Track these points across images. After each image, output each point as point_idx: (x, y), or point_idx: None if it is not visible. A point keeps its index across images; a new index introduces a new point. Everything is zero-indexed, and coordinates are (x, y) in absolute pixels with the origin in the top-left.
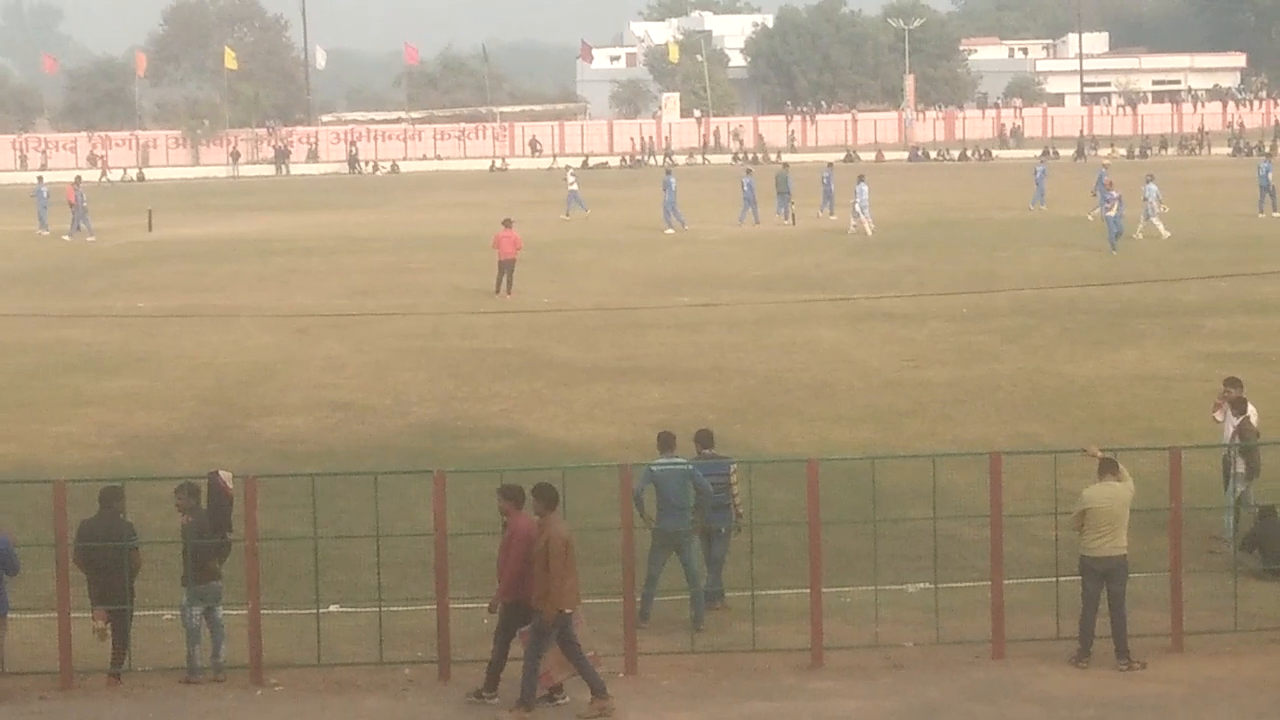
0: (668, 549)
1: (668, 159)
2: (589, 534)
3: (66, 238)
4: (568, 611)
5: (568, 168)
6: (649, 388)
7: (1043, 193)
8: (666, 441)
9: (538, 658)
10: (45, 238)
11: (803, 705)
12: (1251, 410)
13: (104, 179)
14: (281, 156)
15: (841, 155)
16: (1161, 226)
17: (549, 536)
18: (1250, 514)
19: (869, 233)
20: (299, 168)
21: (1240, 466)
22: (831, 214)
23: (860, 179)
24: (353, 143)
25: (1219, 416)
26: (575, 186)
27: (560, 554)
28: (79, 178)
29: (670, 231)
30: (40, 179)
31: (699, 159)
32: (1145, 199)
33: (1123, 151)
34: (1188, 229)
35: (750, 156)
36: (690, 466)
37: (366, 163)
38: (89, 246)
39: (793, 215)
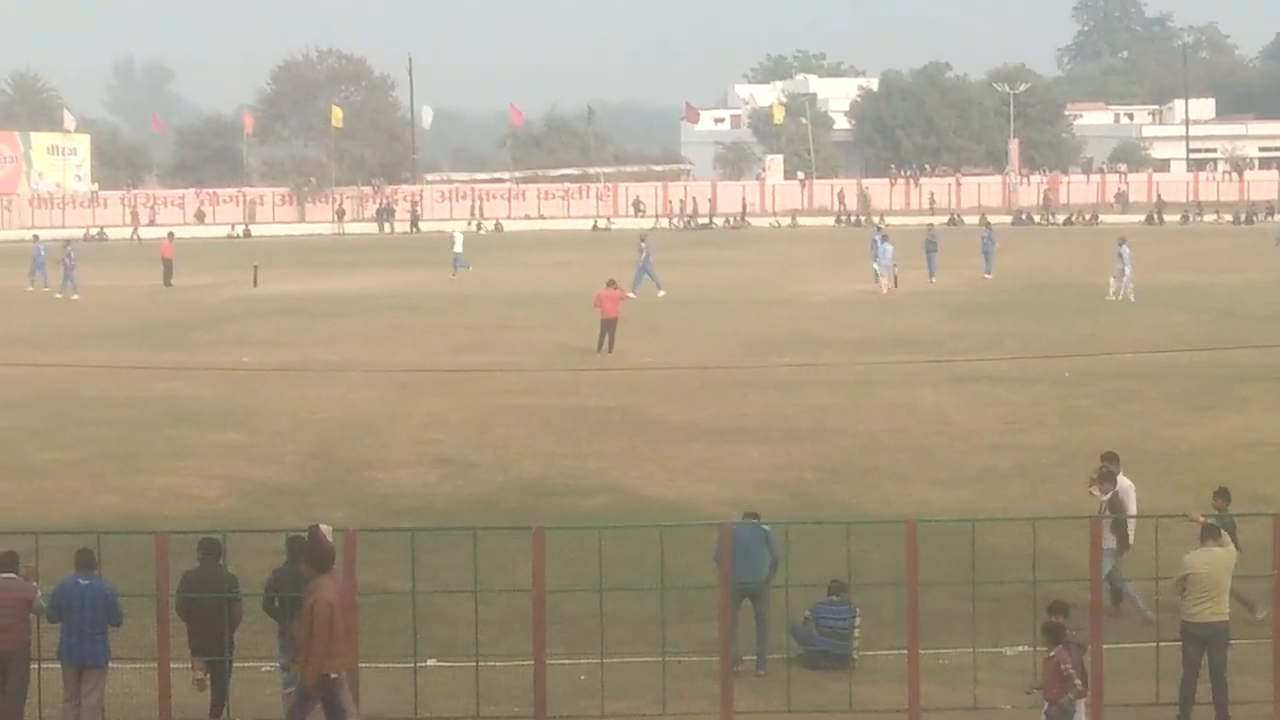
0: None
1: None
2: (687, 591)
3: (58, 295)
4: (332, 676)
5: (454, 231)
6: (748, 447)
7: (990, 260)
8: (749, 516)
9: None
10: (30, 293)
11: None
12: (1126, 484)
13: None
14: (385, 214)
15: (945, 218)
16: (1129, 290)
17: (315, 600)
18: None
19: (884, 292)
20: (403, 226)
21: (1111, 542)
22: (989, 274)
23: (884, 239)
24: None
25: (1095, 491)
26: (460, 248)
27: (324, 618)
28: (69, 240)
29: (632, 295)
30: (36, 237)
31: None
32: (1119, 261)
33: (1228, 217)
34: None
35: (854, 219)
36: (767, 528)
37: (468, 221)
38: (187, 300)
39: (895, 277)
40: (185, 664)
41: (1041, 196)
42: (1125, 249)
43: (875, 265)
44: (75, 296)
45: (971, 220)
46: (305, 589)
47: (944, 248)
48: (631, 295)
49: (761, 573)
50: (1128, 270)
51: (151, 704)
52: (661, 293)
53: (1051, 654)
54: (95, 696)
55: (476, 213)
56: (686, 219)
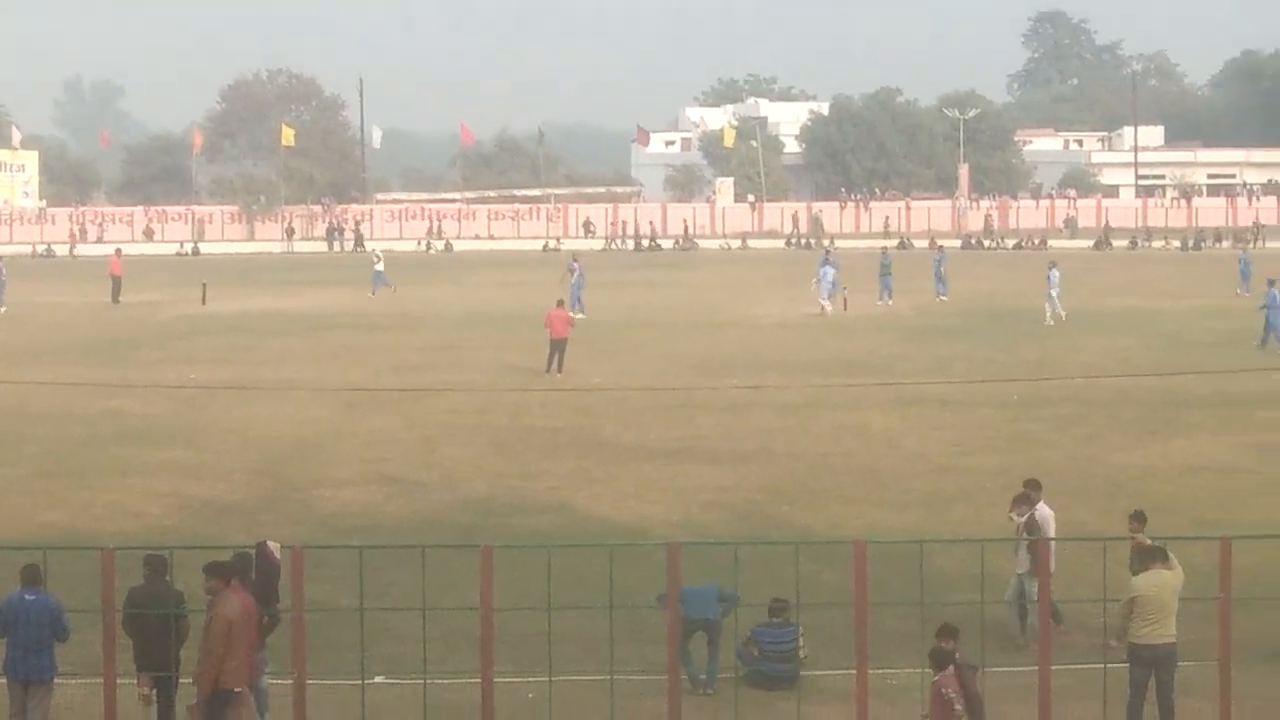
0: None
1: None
2: (635, 611)
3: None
4: (236, 690)
5: (374, 250)
6: (698, 468)
7: (943, 282)
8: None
9: None
10: None
11: None
12: (1046, 512)
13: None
14: (335, 233)
15: (895, 242)
16: (1059, 309)
17: (213, 614)
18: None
19: (826, 314)
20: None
21: (1025, 565)
22: (944, 296)
23: (825, 262)
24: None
25: (1013, 516)
26: (381, 267)
27: (221, 632)
28: None
29: (581, 315)
30: None
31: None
32: (1049, 284)
33: (1176, 244)
34: (1239, 321)
35: (804, 241)
36: (716, 587)
37: (420, 240)
38: (135, 317)
39: (844, 300)
40: (131, 679)
41: (984, 222)
42: (1055, 273)
43: (814, 287)
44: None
45: (921, 244)
46: (208, 602)
47: (896, 271)
48: (581, 315)
49: (715, 611)
50: (1053, 293)
51: (97, 718)
52: (580, 316)
53: (936, 679)
54: (41, 712)
55: (432, 231)
56: (633, 240)
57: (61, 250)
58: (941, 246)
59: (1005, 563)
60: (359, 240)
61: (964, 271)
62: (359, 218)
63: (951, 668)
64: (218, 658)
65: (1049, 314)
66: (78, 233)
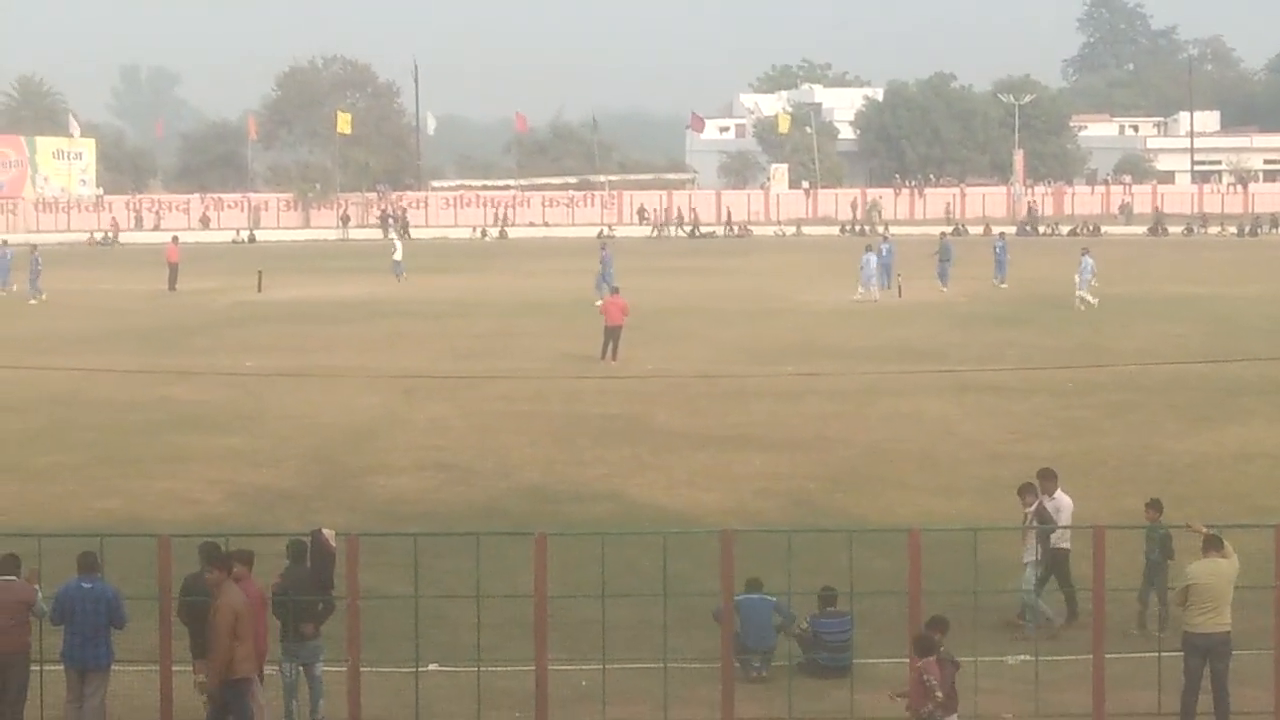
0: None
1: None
2: (689, 598)
3: (31, 301)
4: (248, 678)
5: (392, 239)
6: (751, 455)
7: (1002, 269)
8: (754, 588)
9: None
10: (2, 298)
11: None
12: (1065, 501)
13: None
14: (403, 226)
15: (951, 228)
16: (1090, 296)
17: (218, 605)
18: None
19: (874, 299)
20: (416, 231)
21: (1032, 554)
22: (1003, 283)
23: (868, 248)
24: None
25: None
26: (399, 256)
27: (227, 623)
28: (35, 245)
29: (599, 303)
30: (4, 242)
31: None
32: (1081, 272)
33: (1232, 229)
34: None
35: (859, 228)
36: (773, 599)
37: (475, 228)
38: (191, 305)
39: (899, 286)
40: (187, 667)
41: (1025, 209)
42: (1088, 259)
43: (863, 276)
44: (32, 301)
45: (975, 230)
46: (211, 593)
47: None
48: (598, 304)
49: (772, 640)
50: (1079, 279)
51: (153, 706)
52: (598, 303)
53: (919, 664)
54: (98, 698)
55: (497, 219)
56: (689, 226)
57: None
58: (1002, 233)
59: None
60: (405, 228)
61: (1019, 258)
62: (403, 206)
63: (934, 657)
64: (227, 649)
65: (1080, 301)
66: (118, 220)
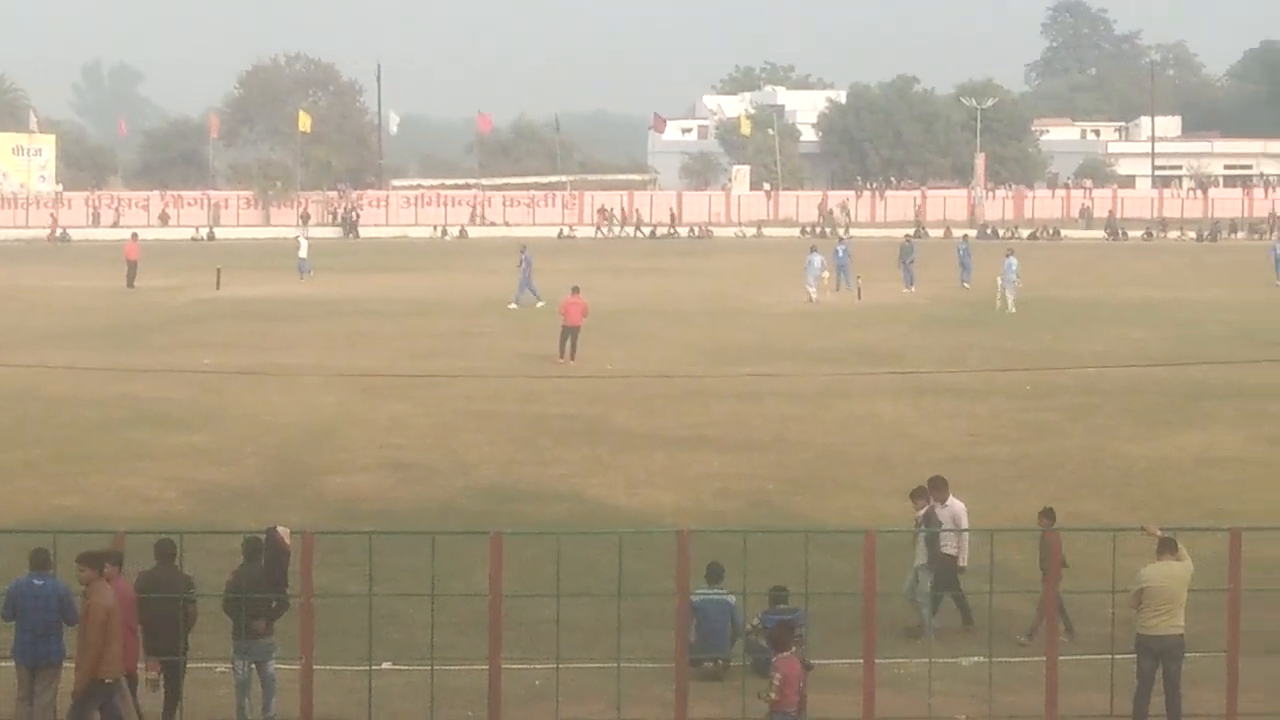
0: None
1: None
2: (643, 599)
3: None
4: (106, 681)
5: (298, 236)
6: (709, 456)
7: (967, 270)
8: (715, 574)
9: None
10: None
11: None
12: (959, 507)
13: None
14: (348, 225)
15: (911, 230)
16: (1011, 300)
17: (90, 603)
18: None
19: (814, 300)
20: (369, 231)
21: (923, 558)
22: (967, 284)
23: (813, 250)
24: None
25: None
26: (304, 254)
27: (99, 622)
28: None
29: (513, 306)
30: None
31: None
32: (1005, 272)
33: (1192, 234)
34: (1254, 313)
35: (819, 230)
36: (732, 600)
37: (435, 227)
38: (150, 302)
39: (859, 289)
40: (140, 664)
41: (982, 213)
42: (1013, 259)
43: (810, 276)
44: None
45: (936, 233)
46: (83, 592)
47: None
48: (513, 306)
49: (726, 649)
50: (1002, 280)
51: None
52: (540, 303)
53: (774, 659)
54: (49, 695)
55: (474, 218)
56: (648, 227)
57: (77, 235)
58: (965, 235)
59: (1014, 554)
60: (350, 227)
61: (980, 261)
62: (351, 206)
63: (790, 653)
64: (97, 649)
65: (1008, 302)
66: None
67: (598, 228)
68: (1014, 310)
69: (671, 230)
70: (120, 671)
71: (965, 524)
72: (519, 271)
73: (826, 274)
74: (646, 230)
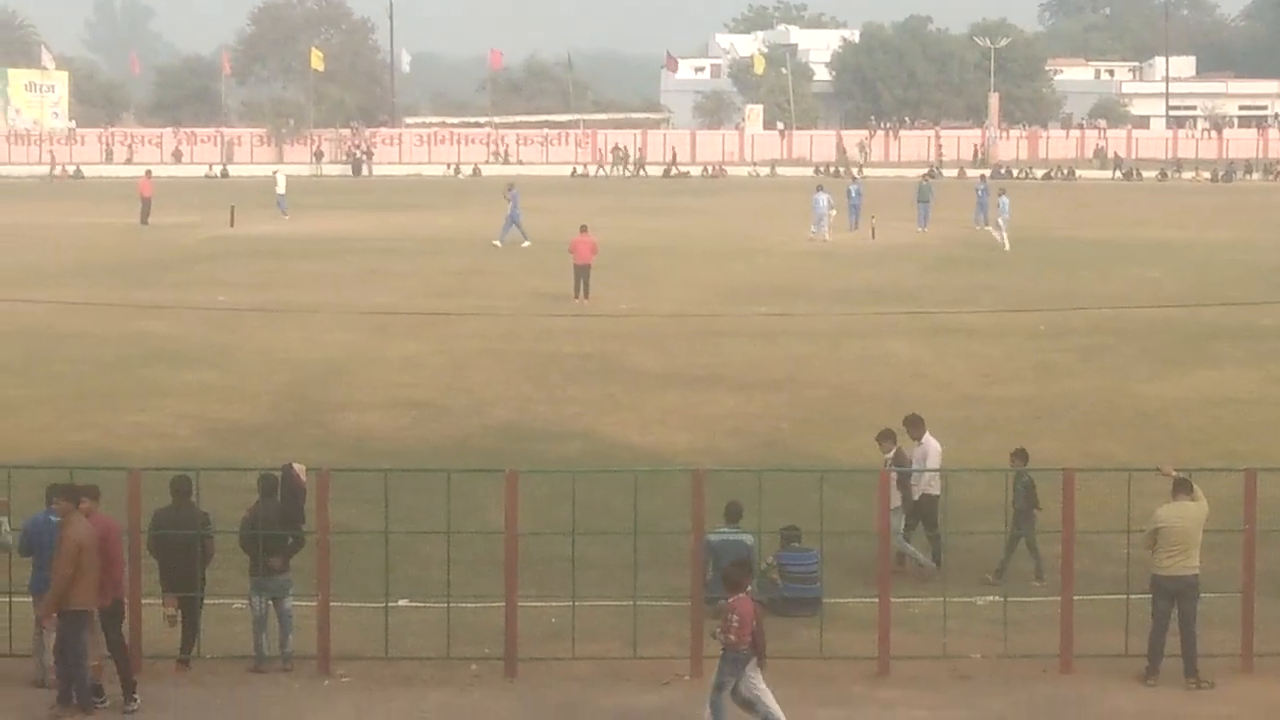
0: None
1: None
2: (659, 537)
3: None
4: (75, 609)
5: (275, 172)
6: (723, 396)
7: (984, 211)
8: (734, 512)
9: (70, 655)
10: None
11: (869, 713)
12: (933, 446)
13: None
14: (358, 165)
15: (924, 170)
16: (1002, 237)
17: (64, 535)
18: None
19: (825, 240)
20: (382, 169)
21: (896, 500)
22: (985, 225)
23: (819, 188)
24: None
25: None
26: (282, 190)
27: (70, 554)
28: None
29: (497, 244)
30: None
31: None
32: (1000, 210)
33: (1206, 175)
34: (1269, 254)
35: (833, 169)
36: (749, 541)
37: (449, 165)
38: (164, 239)
39: (873, 228)
40: (157, 600)
41: (974, 152)
42: (1005, 199)
43: (815, 219)
44: None
45: (950, 173)
46: (58, 524)
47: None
48: (497, 244)
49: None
50: (1002, 220)
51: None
52: (526, 243)
53: (729, 600)
54: None
55: (496, 155)
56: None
57: (90, 172)
58: (984, 175)
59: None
60: (358, 166)
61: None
62: (360, 144)
63: (745, 595)
64: (65, 579)
65: (1004, 240)
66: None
67: (600, 166)
68: (1008, 248)
69: (670, 167)
70: (93, 603)
71: (937, 463)
72: (507, 210)
73: (834, 212)
74: (650, 170)
